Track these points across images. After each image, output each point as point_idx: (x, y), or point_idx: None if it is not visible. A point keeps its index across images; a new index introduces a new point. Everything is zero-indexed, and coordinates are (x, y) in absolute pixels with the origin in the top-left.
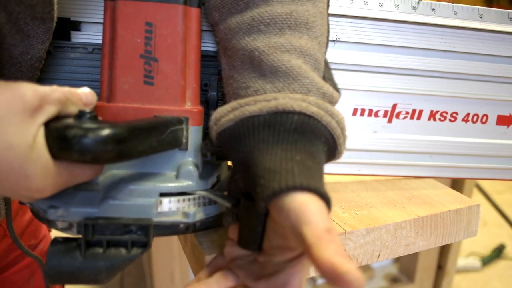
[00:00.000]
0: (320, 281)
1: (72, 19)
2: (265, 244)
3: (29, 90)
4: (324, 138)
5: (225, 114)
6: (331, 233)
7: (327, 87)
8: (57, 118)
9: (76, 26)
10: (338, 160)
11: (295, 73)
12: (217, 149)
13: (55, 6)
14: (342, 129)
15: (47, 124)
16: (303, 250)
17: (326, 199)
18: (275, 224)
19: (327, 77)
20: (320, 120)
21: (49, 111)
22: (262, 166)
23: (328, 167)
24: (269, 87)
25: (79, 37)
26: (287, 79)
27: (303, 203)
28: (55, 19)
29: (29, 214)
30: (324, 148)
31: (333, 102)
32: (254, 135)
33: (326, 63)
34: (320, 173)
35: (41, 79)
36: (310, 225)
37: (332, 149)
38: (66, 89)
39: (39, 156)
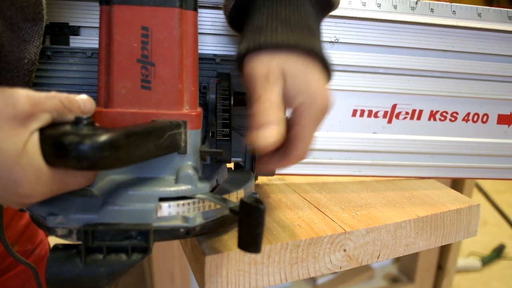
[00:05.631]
0: (320, 281)
1: (70, 24)
2: None
3: (22, 97)
4: None
5: None
6: (259, 99)
7: None
8: (53, 125)
9: (75, 31)
10: (338, 161)
11: None
12: (216, 152)
13: (44, 6)
14: None
15: (43, 131)
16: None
17: (312, 51)
18: None
19: None
20: None
21: (43, 119)
22: (250, 25)
23: (328, 169)
24: None
25: (78, 42)
26: None
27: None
28: (45, 18)
29: (25, 219)
30: (311, 1)
31: None
32: (247, 5)
33: None
34: (304, 25)
35: (39, 84)
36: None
37: (325, 1)
38: (63, 97)
39: (30, 162)
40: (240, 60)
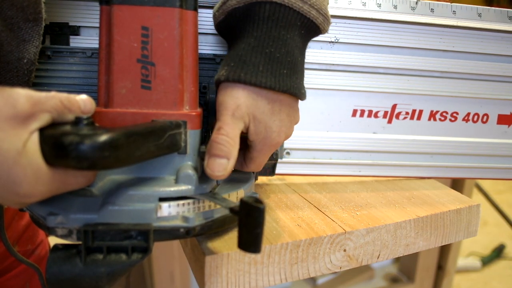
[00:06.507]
0: (320, 281)
1: (70, 24)
2: None
3: (22, 97)
4: (299, 22)
5: (217, 9)
6: (219, 131)
7: None
8: (53, 124)
9: (75, 31)
10: (338, 161)
11: None
12: None
13: (43, 5)
14: (318, 10)
15: (43, 131)
16: None
17: (285, 92)
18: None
19: None
20: (291, 7)
21: (43, 118)
22: (236, 51)
23: (328, 169)
24: None
25: (78, 42)
26: None
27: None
28: (44, 18)
29: (26, 219)
30: (301, 32)
31: None
32: (237, 25)
33: None
34: (288, 60)
35: (40, 84)
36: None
37: (314, 29)
38: (64, 97)
39: (30, 162)
40: (218, 83)
